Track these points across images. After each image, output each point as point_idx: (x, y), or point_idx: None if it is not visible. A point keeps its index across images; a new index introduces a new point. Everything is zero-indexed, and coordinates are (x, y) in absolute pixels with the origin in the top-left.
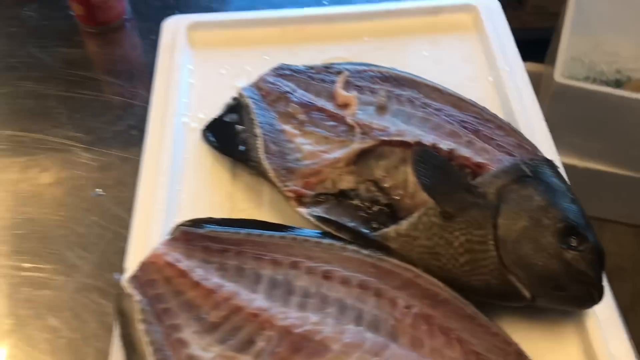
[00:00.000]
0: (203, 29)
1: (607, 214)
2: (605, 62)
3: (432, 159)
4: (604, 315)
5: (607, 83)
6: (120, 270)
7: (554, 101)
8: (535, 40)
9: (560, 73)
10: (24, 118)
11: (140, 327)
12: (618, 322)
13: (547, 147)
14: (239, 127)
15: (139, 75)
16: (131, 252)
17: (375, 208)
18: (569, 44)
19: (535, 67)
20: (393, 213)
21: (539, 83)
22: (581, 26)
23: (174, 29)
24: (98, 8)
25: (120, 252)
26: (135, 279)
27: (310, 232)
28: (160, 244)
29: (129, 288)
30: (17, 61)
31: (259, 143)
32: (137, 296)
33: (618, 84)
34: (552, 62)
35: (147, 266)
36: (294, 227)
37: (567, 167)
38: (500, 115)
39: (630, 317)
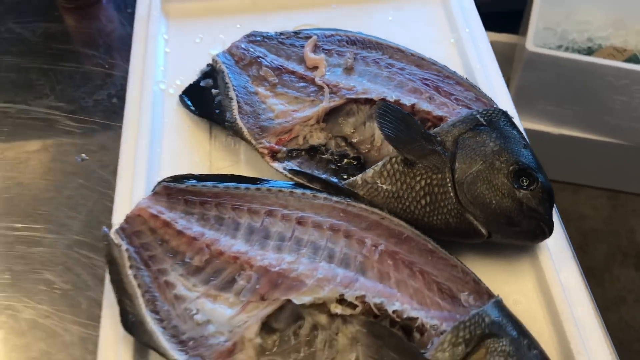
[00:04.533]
0: (177, 0)
1: (582, 179)
2: (577, 31)
3: (394, 112)
4: (555, 249)
5: (579, 51)
6: (108, 226)
7: (527, 69)
8: (510, 12)
9: (533, 42)
10: (7, 90)
11: (129, 272)
12: (568, 255)
13: (504, 101)
14: (215, 91)
15: (117, 47)
16: (117, 208)
17: (344, 161)
18: (541, 13)
19: (510, 38)
20: (361, 165)
21: (513, 54)
22: None
23: (148, 0)
24: None
25: (106, 210)
26: (122, 230)
27: (284, 183)
28: (144, 199)
29: (116, 239)
30: None
31: (234, 105)
32: (124, 245)
33: (590, 52)
34: (526, 32)
35: (132, 219)
36: (269, 180)
37: (542, 133)
38: (461, 73)
39: (606, 277)
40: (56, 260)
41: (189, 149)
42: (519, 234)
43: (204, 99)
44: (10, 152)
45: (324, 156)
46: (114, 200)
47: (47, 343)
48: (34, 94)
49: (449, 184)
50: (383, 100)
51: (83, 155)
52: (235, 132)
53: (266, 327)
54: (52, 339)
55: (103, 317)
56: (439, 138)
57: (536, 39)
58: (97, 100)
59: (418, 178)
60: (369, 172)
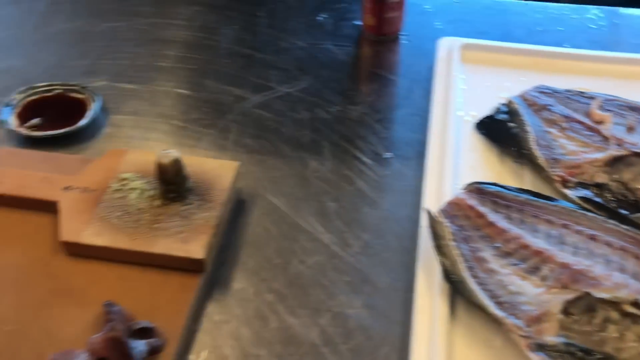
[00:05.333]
0: (473, 50)
1: None
2: None
3: None
4: None
5: None
6: (412, 209)
7: None
8: None
9: None
10: (329, 94)
11: (451, 244)
12: None
13: None
14: (510, 125)
15: (413, 77)
16: (427, 199)
17: (623, 201)
18: None
19: None
20: (637, 208)
21: None
22: None
23: (449, 46)
24: (386, 22)
25: (409, 197)
26: (443, 211)
27: (573, 205)
28: (461, 192)
29: (439, 217)
30: (318, 53)
31: (531, 137)
32: (446, 223)
33: None
34: None
35: (452, 205)
36: (560, 200)
37: None
38: None
39: None
40: (371, 227)
41: (482, 167)
42: None
43: (496, 130)
44: (331, 139)
45: (604, 193)
46: (422, 193)
47: (362, 284)
48: (348, 100)
49: None
50: None
51: (388, 154)
52: (529, 159)
53: (564, 311)
54: (366, 282)
55: (419, 274)
56: None
57: None
58: (399, 115)
59: None
60: None
